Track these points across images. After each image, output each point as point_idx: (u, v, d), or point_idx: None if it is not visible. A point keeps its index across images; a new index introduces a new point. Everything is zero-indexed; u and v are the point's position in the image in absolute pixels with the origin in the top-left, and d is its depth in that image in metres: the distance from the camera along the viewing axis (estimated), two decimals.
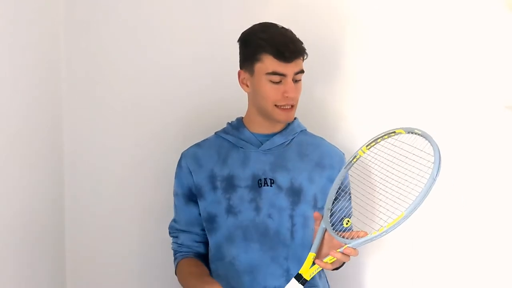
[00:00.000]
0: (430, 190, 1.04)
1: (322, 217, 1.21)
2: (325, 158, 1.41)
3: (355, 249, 1.12)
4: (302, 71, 1.34)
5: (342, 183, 1.41)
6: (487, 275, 1.64)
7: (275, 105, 1.34)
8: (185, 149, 1.46)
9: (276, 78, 1.31)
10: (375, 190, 1.22)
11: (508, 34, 1.60)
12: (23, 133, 1.43)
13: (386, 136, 1.19)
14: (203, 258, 1.45)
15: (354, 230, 1.15)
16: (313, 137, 1.47)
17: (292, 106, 1.35)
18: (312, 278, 1.25)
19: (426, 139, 1.09)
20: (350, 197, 1.39)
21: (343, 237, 1.15)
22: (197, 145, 1.45)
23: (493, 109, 1.62)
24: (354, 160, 1.25)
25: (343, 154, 1.46)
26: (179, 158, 1.45)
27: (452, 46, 1.63)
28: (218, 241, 1.38)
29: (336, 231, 1.18)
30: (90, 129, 1.68)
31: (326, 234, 1.20)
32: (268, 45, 1.29)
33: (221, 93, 1.63)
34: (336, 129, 1.67)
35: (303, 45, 1.33)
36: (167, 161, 1.59)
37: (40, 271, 1.55)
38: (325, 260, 1.14)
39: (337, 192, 1.38)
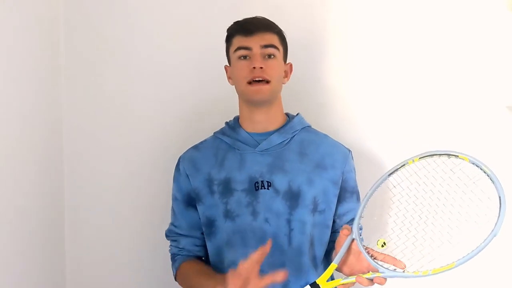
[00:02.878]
0: (487, 246, 0.96)
1: (351, 230, 1.11)
2: (326, 158, 1.34)
3: (385, 279, 1.04)
4: (272, 46, 1.31)
5: (347, 184, 1.36)
6: (488, 276, 1.64)
7: (248, 83, 1.30)
8: (184, 150, 1.45)
9: (242, 52, 1.31)
10: (413, 211, 1.12)
11: (508, 34, 1.60)
12: (23, 133, 1.44)
13: (445, 156, 1.07)
14: (204, 261, 1.43)
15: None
16: (316, 135, 1.39)
17: (267, 82, 1.29)
18: None
19: (493, 183, 1.00)
20: (359, 198, 1.36)
21: (371, 256, 1.06)
22: (195, 147, 1.43)
23: (494, 109, 1.62)
24: (401, 167, 1.12)
25: (349, 151, 1.38)
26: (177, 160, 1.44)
27: (452, 46, 1.63)
28: (217, 245, 1.34)
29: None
30: (90, 130, 1.68)
31: (353, 244, 1.11)
32: (235, 28, 1.35)
33: (222, 92, 1.63)
34: (343, 124, 1.65)
35: (272, 24, 1.34)
36: (167, 161, 1.58)
37: (40, 271, 1.55)
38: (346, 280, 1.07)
39: (339, 193, 1.33)
